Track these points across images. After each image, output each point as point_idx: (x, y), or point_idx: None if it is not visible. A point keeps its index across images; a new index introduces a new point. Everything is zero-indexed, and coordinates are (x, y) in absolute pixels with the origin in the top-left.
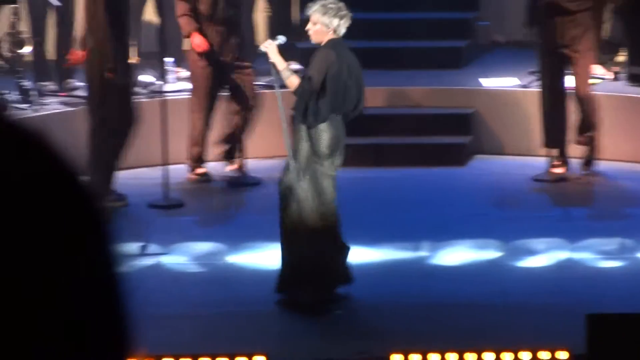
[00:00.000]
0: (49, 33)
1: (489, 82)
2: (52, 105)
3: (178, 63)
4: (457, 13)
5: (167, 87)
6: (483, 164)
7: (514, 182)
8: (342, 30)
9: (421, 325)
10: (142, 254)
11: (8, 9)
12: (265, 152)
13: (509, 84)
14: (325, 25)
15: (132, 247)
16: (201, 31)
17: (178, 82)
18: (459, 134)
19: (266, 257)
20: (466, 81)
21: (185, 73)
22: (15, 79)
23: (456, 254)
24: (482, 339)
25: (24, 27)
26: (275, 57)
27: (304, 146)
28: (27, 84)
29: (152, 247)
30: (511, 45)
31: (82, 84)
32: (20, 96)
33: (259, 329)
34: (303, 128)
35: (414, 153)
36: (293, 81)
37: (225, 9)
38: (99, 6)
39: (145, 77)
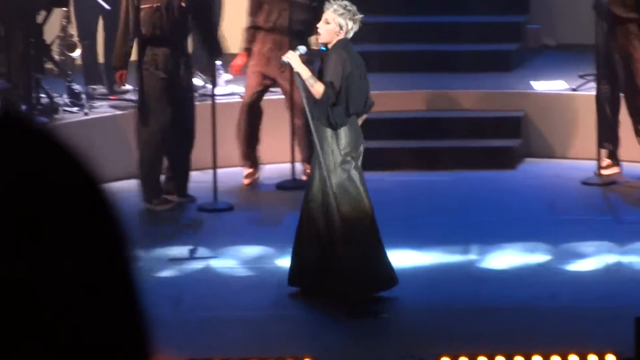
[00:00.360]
0: (99, 36)
1: (539, 86)
2: (102, 109)
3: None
4: (507, 16)
5: (217, 91)
6: (533, 167)
7: (564, 185)
8: (352, 34)
9: (470, 328)
10: (192, 257)
11: (59, 12)
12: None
13: (558, 87)
14: (339, 25)
15: (182, 250)
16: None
17: (228, 86)
18: (509, 137)
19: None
20: (516, 84)
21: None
22: (65, 83)
23: (505, 258)
24: (530, 342)
25: (74, 31)
26: (299, 67)
27: (333, 148)
28: (77, 87)
29: (202, 251)
30: (561, 48)
31: (131, 87)
32: (70, 99)
33: (308, 332)
34: (329, 131)
35: (464, 156)
36: (318, 89)
37: (286, 21)
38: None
39: (195, 81)
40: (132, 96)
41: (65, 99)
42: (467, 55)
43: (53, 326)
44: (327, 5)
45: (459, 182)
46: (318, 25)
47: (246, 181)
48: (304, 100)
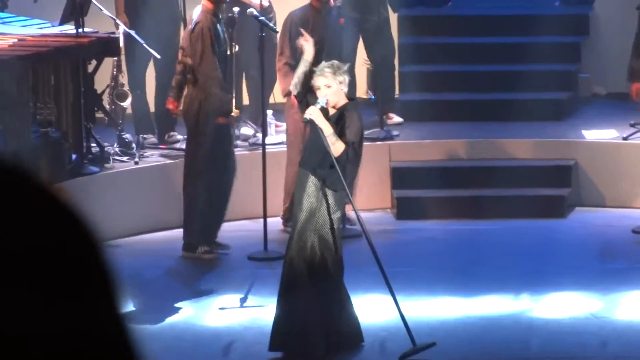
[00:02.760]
0: (149, 85)
1: (590, 134)
2: (153, 158)
3: (278, 116)
4: (559, 65)
5: (267, 140)
6: (583, 216)
7: (614, 233)
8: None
9: None
10: (242, 306)
11: (110, 61)
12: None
13: (609, 136)
14: (340, 83)
15: (232, 299)
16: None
17: (278, 135)
18: (560, 185)
19: (365, 310)
20: (567, 133)
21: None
22: (116, 132)
23: (555, 307)
24: None
25: (125, 80)
26: (322, 123)
27: (322, 207)
28: (127, 136)
29: (251, 300)
30: (611, 97)
31: (182, 137)
32: (120, 148)
33: None
34: (327, 192)
35: (515, 205)
36: (338, 147)
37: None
38: (208, 50)
39: (245, 130)
40: (183, 145)
41: (115, 148)
42: (519, 103)
43: None
44: (316, 75)
45: (509, 231)
46: (320, 94)
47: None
48: (332, 155)
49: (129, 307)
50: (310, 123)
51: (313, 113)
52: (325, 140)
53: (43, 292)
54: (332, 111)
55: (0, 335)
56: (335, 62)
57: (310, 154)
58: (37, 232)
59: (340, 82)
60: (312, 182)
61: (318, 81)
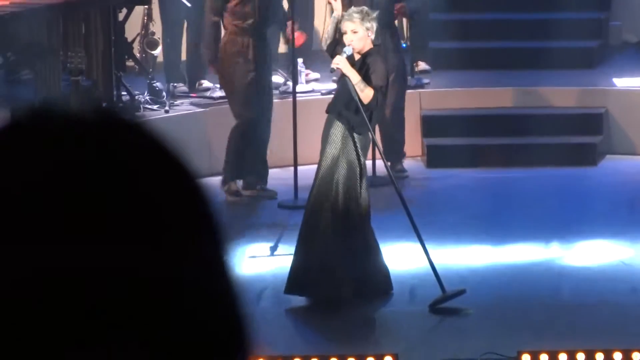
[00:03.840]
0: (181, 34)
1: (621, 82)
2: (183, 106)
3: (307, 64)
4: (589, 13)
5: (298, 88)
6: (614, 163)
7: None
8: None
9: (550, 325)
10: (272, 254)
11: (140, 10)
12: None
13: None
14: (367, 29)
15: (262, 247)
16: None
17: (309, 84)
18: (591, 133)
19: (395, 258)
20: (598, 81)
21: (314, 74)
22: (146, 80)
23: (586, 254)
24: (611, 338)
25: (156, 28)
26: (349, 72)
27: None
28: (158, 85)
29: (281, 248)
30: None
31: (213, 85)
32: (151, 97)
33: (387, 329)
34: (358, 137)
35: (545, 153)
36: (368, 93)
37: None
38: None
39: (276, 78)
40: (213, 94)
41: (146, 96)
42: (549, 52)
43: (144, 322)
44: (344, 19)
45: (540, 178)
46: (346, 39)
47: None
48: (358, 102)
49: (234, 252)
50: (339, 71)
51: (340, 62)
52: (353, 89)
53: (145, 239)
54: (357, 57)
55: (97, 287)
56: (365, 7)
57: (337, 99)
58: (136, 172)
59: (368, 29)
60: (336, 128)
61: (345, 25)
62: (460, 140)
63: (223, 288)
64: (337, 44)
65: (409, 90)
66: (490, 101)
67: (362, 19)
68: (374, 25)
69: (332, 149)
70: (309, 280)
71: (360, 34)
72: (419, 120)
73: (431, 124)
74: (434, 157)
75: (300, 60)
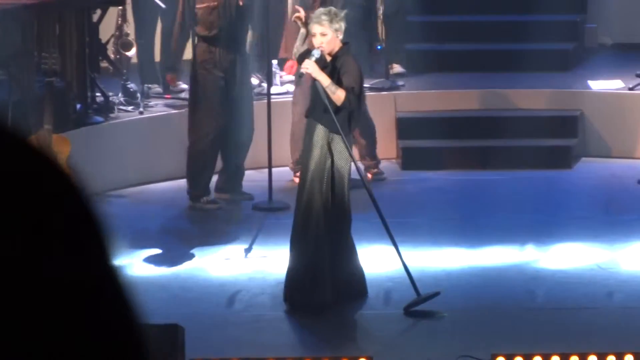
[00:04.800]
0: (155, 35)
1: (596, 85)
2: (158, 108)
3: (281, 66)
4: (564, 15)
5: (272, 90)
6: (589, 166)
7: (621, 185)
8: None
9: (525, 328)
10: (246, 256)
11: (115, 11)
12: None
13: (615, 87)
14: (336, 31)
15: (236, 249)
16: None
17: (283, 85)
18: (566, 136)
19: (370, 260)
20: (573, 83)
21: (288, 77)
22: (121, 81)
23: (561, 257)
24: (586, 342)
25: (130, 29)
26: (318, 75)
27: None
28: (132, 86)
29: (256, 250)
30: (617, 47)
31: (187, 86)
32: (125, 98)
33: (362, 331)
34: (339, 138)
35: (520, 155)
36: (340, 95)
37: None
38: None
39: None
40: (188, 95)
41: (120, 97)
42: (524, 54)
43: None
44: (312, 22)
45: (515, 181)
46: (315, 42)
47: (297, 180)
48: (328, 106)
49: (121, 257)
50: (309, 76)
51: (309, 66)
52: (323, 92)
53: (31, 247)
54: (328, 58)
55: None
56: (333, 8)
57: (315, 103)
58: (20, 188)
59: (336, 30)
60: (319, 131)
61: (314, 29)
62: (435, 142)
63: (114, 296)
64: (307, 52)
65: (383, 92)
66: (466, 103)
67: (331, 21)
68: (343, 25)
69: (318, 152)
70: (302, 286)
71: (329, 37)
72: (393, 122)
73: (406, 126)
74: (409, 160)
75: (274, 62)
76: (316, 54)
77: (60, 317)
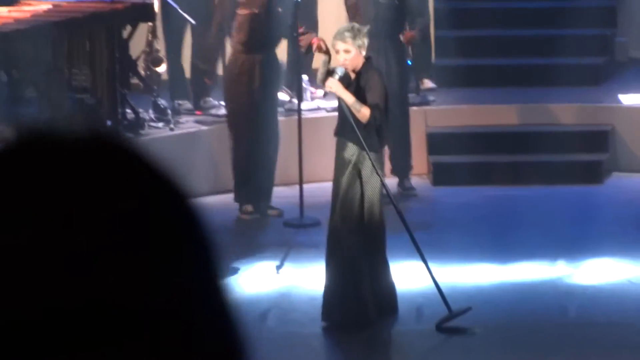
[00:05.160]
0: (185, 51)
1: (627, 99)
2: (188, 124)
3: (313, 82)
4: (595, 29)
5: (303, 106)
6: (620, 181)
7: None
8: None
9: (557, 344)
10: (277, 273)
11: (145, 27)
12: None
13: None
14: (359, 47)
15: (267, 265)
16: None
17: (313, 101)
18: (597, 151)
19: (402, 274)
20: (604, 98)
21: (319, 92)
22: (151, 98)
23: (593, 273)
24: (618, 358)
25: (160, 46)
26: (343, 94)
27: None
28: (163, 102)
29: (287, 267)
30: None
31: (218, 102)
32: (156, 115)
33: (395, 347)
34: (368, 156)
35: (551, 171)
36: (365, 113)
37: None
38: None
39: (280, 95)
40: (218, 111)
41: (150, 114)
42: (555, 68)
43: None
44: (335, 38)
45: (546, 196)
46: (339, 59)
47: None
48: (353, 124)
49: (227, 273)
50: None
51: (332, 85)
52: (347, 110)
53: (139, 262)
54: (353, 75)
55: (92, 311)
56: (356, 25)
57: (343, 121)
58: (125, 195)
59: (359, 46)
60: (350, 149)
61: (337, 45)
62: (466, 157)
63: (218, 312)
64: (331, 71)
65: (414, 108)
66: (496, 118)
67: (354, 37)
68: (366, 41)
69: (349, 170)
70: (342, 305)
71: (352, 53)
72: (424, 138)
73: (437, 142)
74: (440, 175)
75: (305, 78)
76: (340, 71)
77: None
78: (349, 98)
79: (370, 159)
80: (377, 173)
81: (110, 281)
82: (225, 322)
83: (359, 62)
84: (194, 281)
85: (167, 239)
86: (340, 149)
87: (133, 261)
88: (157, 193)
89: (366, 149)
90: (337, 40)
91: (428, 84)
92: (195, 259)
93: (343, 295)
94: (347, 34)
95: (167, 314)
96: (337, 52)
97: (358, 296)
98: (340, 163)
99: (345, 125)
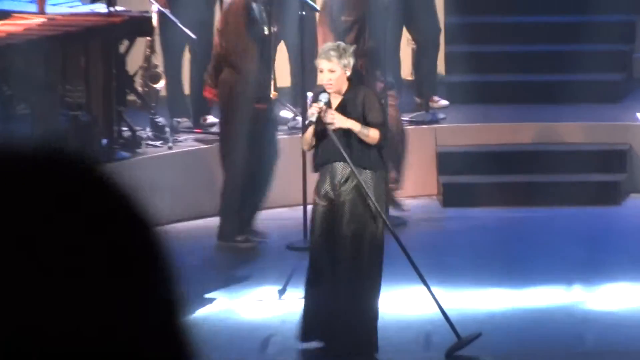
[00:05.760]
0: (184, 67)
1: None
2: (187, 142)
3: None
4: (612, 45)
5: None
6: (639, 203)
7: None
8: None
9: None
10: (280, 298)
11: (142, 42)
12: None
13: None
14: (344, 67)
15: (270, 290)
16: None
17: None
18: (614, 171)
19: (410, 300)
20: (621, 116)
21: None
22: (149, 115)
23: (611, 298)
24: None
25: (158, 61)
26: (346, 124)
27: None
28: (161, 120)
29: (290, 291)
30: None
31: (217, 120)
32: (153, 133)
33: None
34: (368, 175)
35: (566, 191)
36: (374, 136)
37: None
38: (242, 29)
39: (284, 113)
40: (218, 129)
41: (148, 132)
42: (571, 85)
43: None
44: (320, 57)
45: (561, 218)
46: (322, 78)
47: None
48: (342, 150)
49: (184, 298)
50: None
51: (335, 119)
52: (335, 137)
53: (101, 286)
54: (337, 97)
55: (58, 334)
56: (342, 44)
57: (325, 151)
58: (91, 219)
59: (345, 66)
60: (341, 171)
61: (322, 64)
62: (478, 178)
63: (168, 339)
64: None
65: (423, 126)
66: (509, 137)
67: (340, 57)
68: (351, 61)
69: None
70: (323, 324)
71: (337, 73)
72: (434, 157)
73: (447, 161)
74: (451, 196)
75: (309, 95)
76: (323, 98)
77: None
78: (356, 126)
79: (359, 180)
80: (368, 193)
81: (49, 307)
82: (176, 350)
83: (343, 83)
84: (144, 308)
85: (120, 266)
86: (331, 175)
87: (76, 285)
88: (115, 219)
89: (355, 171)
90: (321, 59)
91: (441, 101)
92: (150, 286)
93: (325, 315)
94: (332, 53)
95: (112, 340)
96: (320, 71)
97: (333, 324)
98: (326, 194)
99: (330, 153)
